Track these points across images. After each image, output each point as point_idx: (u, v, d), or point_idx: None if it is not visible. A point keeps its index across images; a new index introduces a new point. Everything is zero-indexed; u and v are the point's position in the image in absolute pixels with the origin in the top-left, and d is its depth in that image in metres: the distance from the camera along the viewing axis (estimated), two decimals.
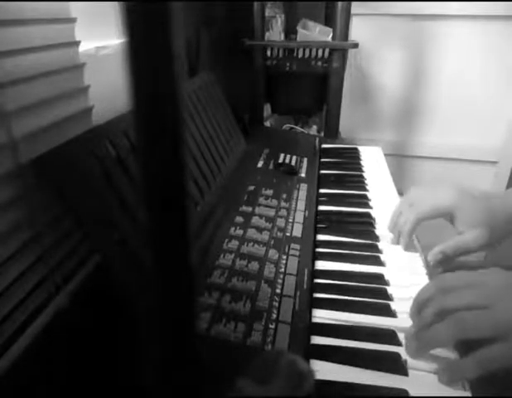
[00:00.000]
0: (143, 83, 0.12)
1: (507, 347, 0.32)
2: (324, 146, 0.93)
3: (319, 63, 1.04)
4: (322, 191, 0.72)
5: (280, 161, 0.77)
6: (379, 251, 0.55)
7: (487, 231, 0.48)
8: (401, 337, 0.40)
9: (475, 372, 0.34)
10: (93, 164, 0.40)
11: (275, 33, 1.08)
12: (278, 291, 0.45)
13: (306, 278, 0.48)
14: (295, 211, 0.62)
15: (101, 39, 0.55)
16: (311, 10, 1.20)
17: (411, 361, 0.37)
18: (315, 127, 1.21)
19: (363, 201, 0.69)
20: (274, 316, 0.41)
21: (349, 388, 0.35)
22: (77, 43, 0.47)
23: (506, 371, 0.32)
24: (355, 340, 0.40)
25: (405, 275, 0.50)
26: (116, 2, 0.12)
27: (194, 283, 0.15)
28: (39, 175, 0.37)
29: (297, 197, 0.66)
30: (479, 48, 1.32)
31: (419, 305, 0.39)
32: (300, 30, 1.05)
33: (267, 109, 1.18)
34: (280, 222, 0.58)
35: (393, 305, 0.45)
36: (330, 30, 1.02)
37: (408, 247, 0.55)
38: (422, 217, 0.52)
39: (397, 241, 0.56)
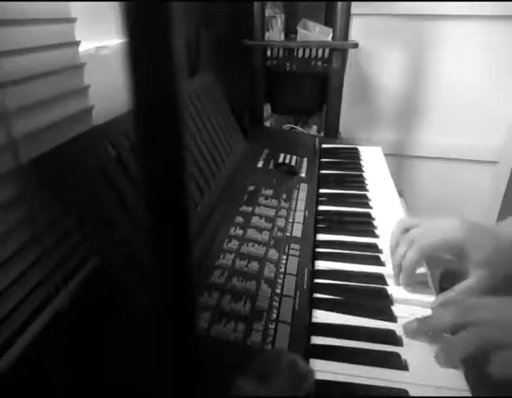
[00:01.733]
0: (143, 83, 0.12)
1: (498, 328, 0.34)
2: (324, 146, 0.93)
3: (319, 63, 1.04)
4: (322, 191, 0.72)
5: (280, 161, 0.77)
6: (379, 251, 0.55)
7: (491, 271, 0.43)
8: (401, 337, 0.40)
9: (468, 347, 0.35)
10: (93, 164, 0.40)
11: (275, 33, 1.08)
12: (278, 291, 0.45)
13: (306, 278, 0.48)
14: (295, 211, 0.62)
15: (101, 39, 0.55)
16: (311, 10, 1.20)
17: (411, 361, 0.37)
18: (315, 127, 1.21)
19: (363, 201, 0.69)
20: (274, 316, 0.41)
21: (349, 388, 0.35)
22: (77, 43, 0.47)
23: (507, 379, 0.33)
24: (355, 340, 0.40)
25: None
26: (116, 2, 0.12)
27: (194, 283, 0.15)
28: (39, 175, 0.37)
29: (297, 197, 0.66)
30: (479, 48, 1.32)
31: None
32: (300, 30, 1.05)
33: (267, 109, 1.18)
34: (280, 222, 0.58)
35: (393, 305, 0.45)
36: (330, 30, 1.02)
37: (412, 286, 0.47)
38: (427, 251, 0.46)
39: (398, 280, 0.48)
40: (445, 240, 0.45)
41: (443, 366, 0.37)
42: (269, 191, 0.66)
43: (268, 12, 1.05)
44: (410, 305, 0.45)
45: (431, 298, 0.45)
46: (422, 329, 0.39)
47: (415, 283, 0.47)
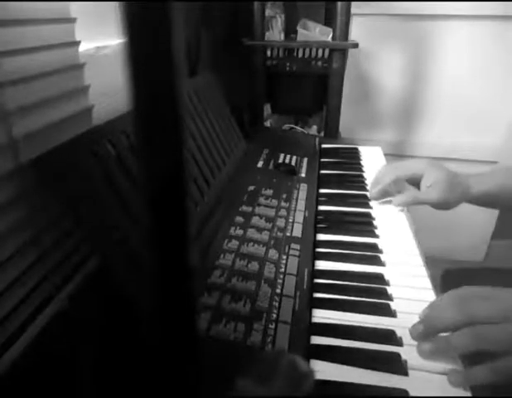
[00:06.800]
0: (143, 83, 0.12)
1: None
2: (324, 146, 0.93)
3: (319, 63, 1.04)
4: (322, 191, 0.72)
5: (280, 161, 0.77)
6: (379, 251, 0.55)
7: (443, 193, 0.61)
8: (401, 337, 0.40)
9: (489, 380, 0.35)
10: (93, 164, 0.40)
11: (275, 33, 1.08)
12: (278, 291, 0.45)
13: (306, 278, 0.48)
14: (295, 211, 0.62)
15: (101, 39, 0.55)
16: (311, 10, 1.20)
17: (411, 361, 0.37)
18: (315, 127, 1.21)
19: (363, 200, 0.69)
20: (274, 316, 0.41)
21: (349, 388, 0.35)
22: (77, 43, 0.47)
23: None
24: (355, 340, 0.40)
25: (405, 275, 0.50)
26: (116, 2, 0.12)
27: (194, 283, 0.15)
28: (39, 175, 0.37)
29: (297, 197, 0.66)
30: (478, 48, 1.32)
31: (434, 312, 0.40)
32: (300, 30, 1.05)
33: (267, 109, 1.18)
34: (280, 222, 0.58)
35: (393, 305, 0.45)
36: (330, 30, 1.02)
37: (378, 196, 0.67)
38: (399, 174, 0.66)
39: (375, 195, 0.68)
40: (411, 167, 0.66)
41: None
42: (269, 191, 0.66)
43: (268, 12, 1.05)
44: (410, 302, 0.45)
45: (431, 298, 0.45)
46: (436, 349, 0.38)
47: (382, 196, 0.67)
